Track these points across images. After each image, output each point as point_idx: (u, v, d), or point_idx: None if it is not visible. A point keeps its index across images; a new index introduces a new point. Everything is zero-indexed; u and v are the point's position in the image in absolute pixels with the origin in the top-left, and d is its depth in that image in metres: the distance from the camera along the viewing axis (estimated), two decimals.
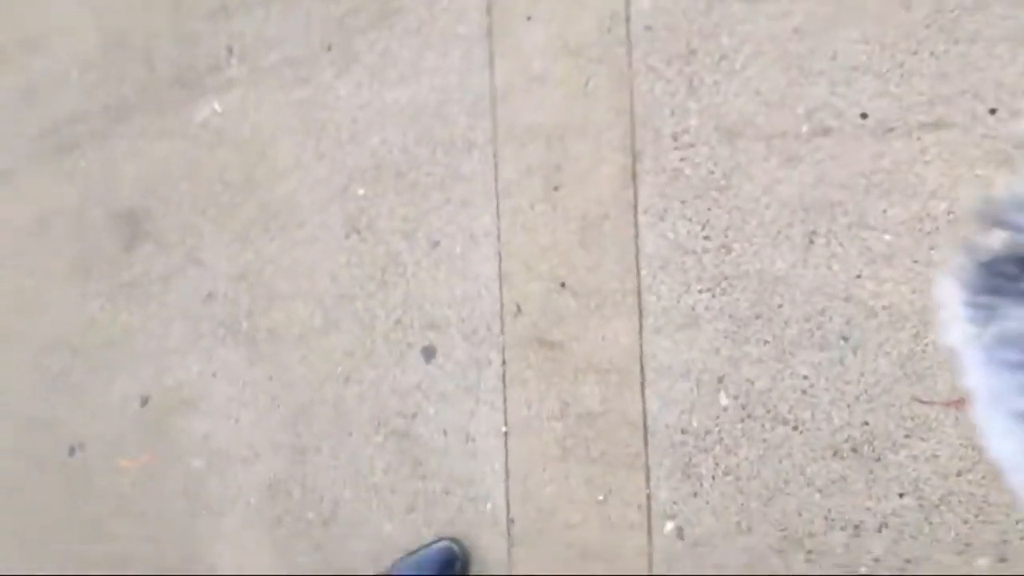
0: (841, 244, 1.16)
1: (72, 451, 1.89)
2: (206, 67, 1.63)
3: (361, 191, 1.49)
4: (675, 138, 1.26)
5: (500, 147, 1.38)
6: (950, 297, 0.49)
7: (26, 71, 1.89)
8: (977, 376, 0.48)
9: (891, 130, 1.13)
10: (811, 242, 1.18)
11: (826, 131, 1.17)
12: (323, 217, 1.53)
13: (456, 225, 1.41)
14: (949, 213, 1.11)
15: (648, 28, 1.27)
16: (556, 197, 1.34)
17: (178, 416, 1.73)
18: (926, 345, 1.12)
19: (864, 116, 1.15)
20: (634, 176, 1.29)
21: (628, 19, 1.29)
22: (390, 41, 1.45)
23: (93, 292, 1.83)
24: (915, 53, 1.13)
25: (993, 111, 1.08)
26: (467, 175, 1.40)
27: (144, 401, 1.77)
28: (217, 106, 1.63)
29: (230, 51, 1.60)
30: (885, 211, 1.14)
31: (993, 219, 0.47)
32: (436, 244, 1.43)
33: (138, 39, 1.73)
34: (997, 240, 0.47)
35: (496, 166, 1.38)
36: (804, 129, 1.19)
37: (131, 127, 1.74)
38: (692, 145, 1.25)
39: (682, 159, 1.26)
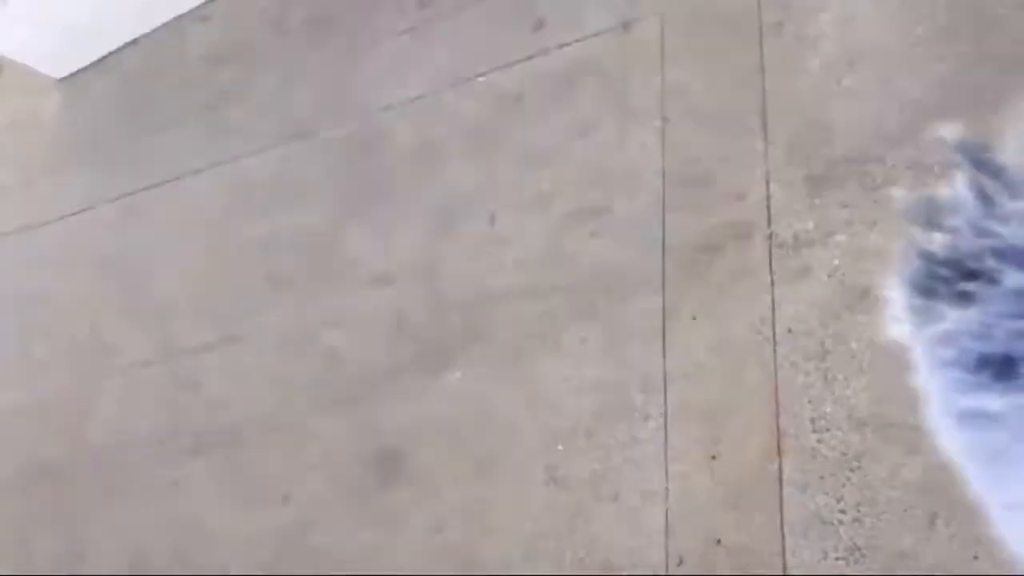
0: (958, 526, 1.30)
1: None
2: (456, 345, 2.13)
3: (560, 447, 1.85)
4: (813, 423, 1.50)
5: (669, 420, 1.68)
6: (894, 296, 0.57)
7: (333, 342, 2.53)
8: (922, 376, 0.54)
9: None
10: (932, 523, 1.33)
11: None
12: (529, 465, 1.89)
13: (632, 482, 1.71)
14: None
15: (790, 331, 1.57)
16: (714, 465, 1.61)
17: None
18: None
19: None
20: (779, 452, 1.53)
21: (774, 323, 1.59)
22: (587, 331, 1.85)
23: (355, 514, 2.29)
24: None
25: None
26: (642, 440, 1.71)
27: None
28: (460, 375, 2.11)
29: (474, 335, 2.09)
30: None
31: (931, 221, 0.54)
32: (615, 497, 1.73)
33: (407, 322, 2.29)
34: (935, 242, 0.55)
35: (666, 436, 1.68)
36: (921, 425, 1.38)
37: (400, 388, 2.25)
38: (827, 430, 1.48)
39: (819, 440, 1.48)
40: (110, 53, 3.41)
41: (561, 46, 1.98)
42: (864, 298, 1.49)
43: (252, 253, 2.71)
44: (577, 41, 1.97)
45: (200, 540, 2.56)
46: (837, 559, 1.42)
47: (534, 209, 1.98)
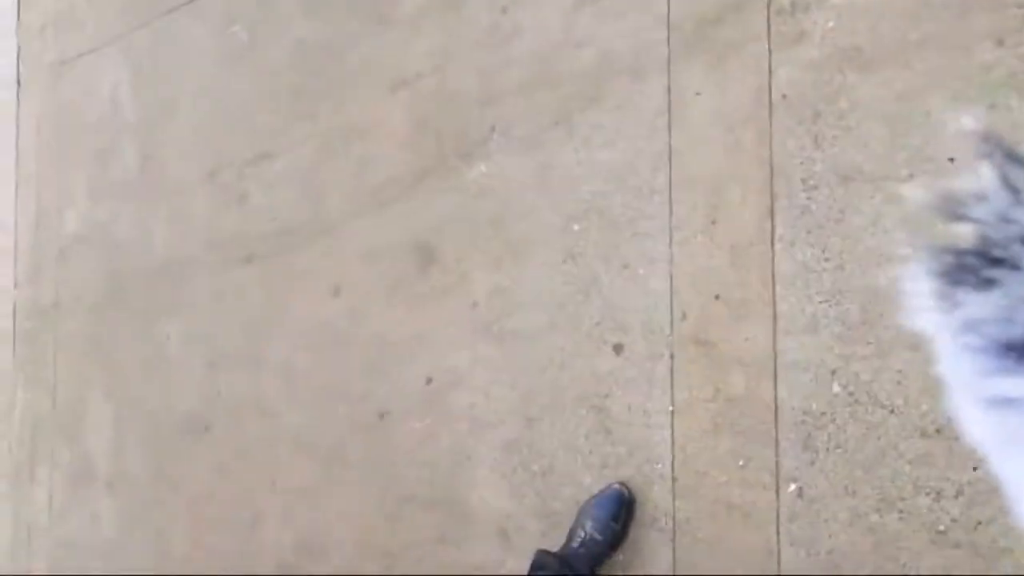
0: None
1: (381, 416, 2.59)
2: (476, 141, 2.25)
3: (576, 227, 2.00)
4: (803, 182, 1.61)
5: (674, 192, 1.81)
6: (917, 285, 0.51)
7: (359, 149, 2.67)
8: (946, 363, 0.50)
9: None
10: (907, 262, 1.46)
11: (923, 173, 1.46)
12: (549, 247, 2.05)
13: (641, 251, 1.86)
14: None
15: (784, 96, 1.64)
16: (713, 230, 1.74)
17: (450, 391, 2.34)
18: None
19: (952, 160, 1.42)
20: (772, 213, 1.65)
21: (770, 90, 1.66)
22: (598, 116, 1.95)
23: (400, 301, 2.52)
24: (993, 106, 1.38)
25: None
26: (650, 214, 1.85)
27: (429, 380, 2.42)
28: (484, 168, 2.24)
29: (492, 129, 2.20)
30: None
31: (954, 213, 0.48)
32: (626, 266, 1.89)
33: (431, 123, 2.40)
34: (960, 233, 0.48)
35: (671, 207, 1.82)
36: (903, 173, 1.48)
37: (427, 185, 2.41)
38: (816, 187, 1.59)
39: (808, 198, 1.60)
40: None
41: None
42: (855, 58, 1.55)
43: (277, 69, 2.81)
44: None
45: (265, 335, 2.85)
46: (820, 302, 1.58)
47: None
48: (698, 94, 1.77)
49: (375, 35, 2.43)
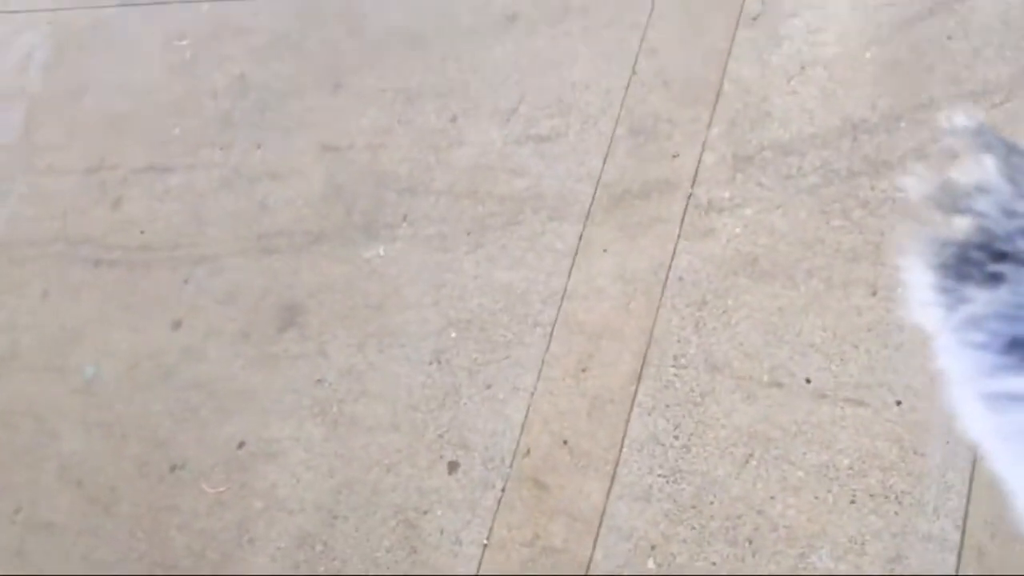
0: (767, 469, 1.51)
1: (173, 469, 2.38)
2: (384, 224, 2.25)
3: (453, 334, 2.00)
4: (675, 359, 1.69)
5: (556, 330, 1.85)
6: (918, 280, 0.49)
7: (263, 192, 2.62)
8: (948, 359, 0.49)
9: (824, 396, 1.51)
10: (746, 462, 1.54)
11: (779, 384, 1.56)
12: (419, 345, 2.03)
13: (507, 377, 1.87)
14: (849, 468, 1.44)
15: (680, 278, 1.75)
16: (582, 376, 1.78)
17: (259, 463, 2.19)
18: (808, 564, 1.42)
19: (808, 381, 1.54)
20: (639, 378, 1.71)
21: (669, 268, 1.77)
22: (509, 240, 2.01)
23: (244, 353, 2.39)
24: (856, 347, 1.53)
25: (899, 402, 1.45)
26: (527, 343, 1.88)
27: (240, 444, 2.26)
28: (382, 251, 2.23)
29: (404, 218, 2.22)
30: (804, 454, 1.49)
31: (954, 206, 0.47)
32: (489, 386, 1.89)
33: (347, 193, 2.40)
34: (961, 226, 0.47)
35: (549, 343, 1.85)
36: (765, 379, 1.58)
37: (319, 249, 2.37)
38: (685, 367, 1.67)
39: (675, 375, 1.67)
40: None
41: None
42: (750, 266, 1.69)
43: (214, 92, 2.76)
44: None
45: (80, 345, 2.61)
46: (659, 476, 1.61)
47: (495, 120, 2.11)
48: (605, 251, 1.87)
49: (324, 95, 2.45)
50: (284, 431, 2.20)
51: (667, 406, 1.66)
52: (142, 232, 2.73)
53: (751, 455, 1.53)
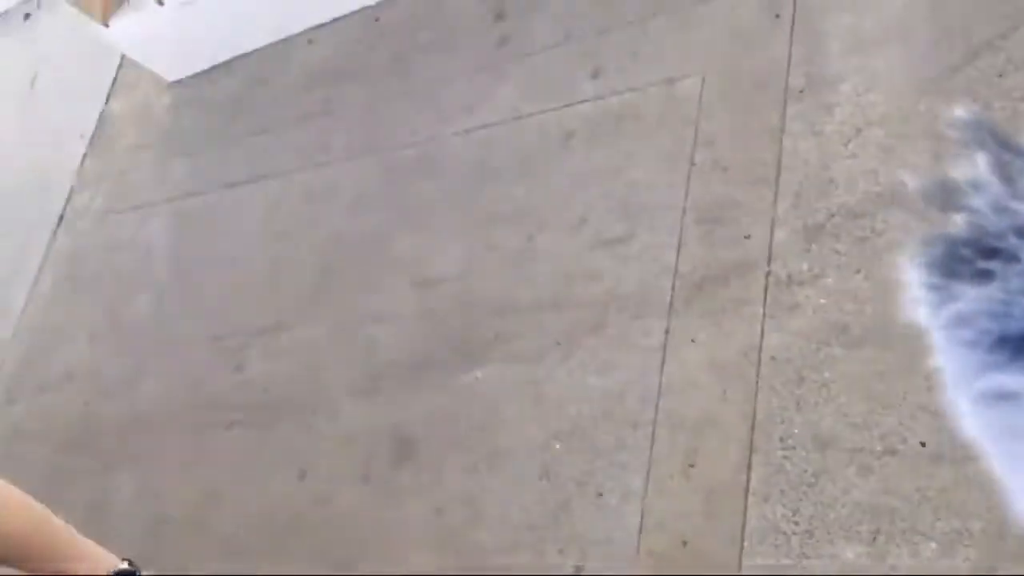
0: (897, 544, 1.43)
1: None
2: (478, 346, 2.33)
3: (557, 446, 2.01)
4: (782, 441, 1.65)
5: (658, 429, 1.84)
6: (911, 279, 0.55)
7: (369, 334, 2.75)
8: (941, 356, 0.53)
9: (941, 457, 1.44)
10: (873, 539, 1.46)
11: (893, 452, 1.50)
12: (527, 461, 2.05)
13: (616, 482, 1.86)
14: (983, 531, 1.35)
15: (773, 358, 1.73)
16: (691, 472, 1.75)
17: None
18: None
19: (923, 444, 1.47)
20: (749, 466, 1.67)
21: (760, 350, 1.75)
22: (597, 344, 2.04)
23: (366, 492, 2.47)
24: None
25: None
26: (631, 446, 1.87)
27: None
28: (479, 374, 2.30)
29: (496, 338, 2.29)
30: (933, 523, 1.41)
31: (948, 203, 0.48)
32: (600, 495, 1.88)
33: (442, 323, 2.50)
34: (953, 223, 0.48)
35: (653, 443, 1.84)
36: (878, 448, 1.52)
37: (422, 380, 2.46)
38: (793, 448, 1.62)
39: (785, 458, 1.63)
40: (220, 64, 3.80)
41: (613, 94, 2.22)
42: (841, 334, 1.65)
43: (312, 251, 2.98)
44: (628, 91, 2.20)
45: (218, 505, 2.76)
46: (786, 565, 1.55)
47: (568, 232, 2.19)
48: (693, 341, 1.87)
49: (410, 236, 2.61)
50: (413, 566, 2.23)
51: (782, 491, 1.60)
52: (265, 390, 2.91)
53: (878, 531, 1.45)
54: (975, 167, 0.43)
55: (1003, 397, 0.45)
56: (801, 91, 1.86)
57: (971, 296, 0.44)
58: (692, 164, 1.99)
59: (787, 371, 1.69)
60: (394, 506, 2.37)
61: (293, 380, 2.83)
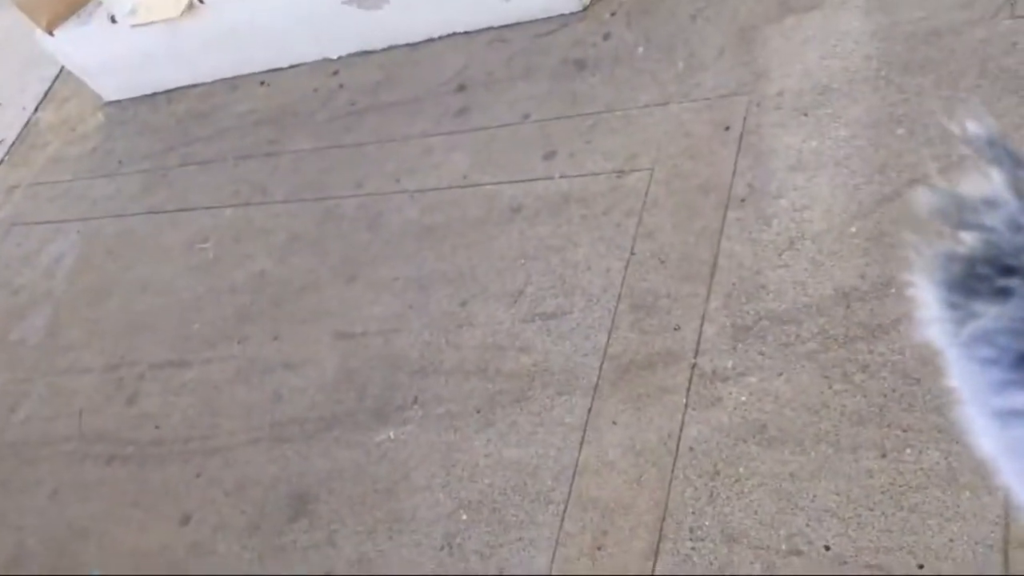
0: None
1: None
2: (395, 407, 2.28)
3: (464, 516, 1.97)
4: (691, 532, 1.66)
5: (569, 508, 1.83)
6: (927, 296, 0.49)
7: (278, 382, 2.67)
8: (958, 375, 0.48)
9: (845, 563, 1.47)
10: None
11: (798, 552, 1.53)
12: (430, 529, 2.00)
13: (520, 560, 1.83)
14: None
15: (690, 448, 1.76)
16: (598, 555, 1.74)
17: None
18: None
19: (827, 548, 1.50)
20: (656, 553, 1.67)
21: (679, 439, 1.78)
22: (519, 416, 2.03)
23: (252, 546, 2.34)
24: (871, 510, 1.51)
25: (920, 567, 1.41)
26: (540, 523, 1.85)
27: None
28: (392, 434, 2.25)
29: (415, 400, 2.26)
30: None
31: (962, 221, 0.47)
32: (501, 570, 1.84)
33: (360, 378, 2.45)
34: (968, 241, 0.47)
35: (562, 522, 1.82)
36: (783, 547, 1.55)
37: (331, 436, 2.38)
38: (702, 540, 1.64)
39: (692, 548, 1.64)
40: (163, 92, 3.74)
41: (563, 176, 2.29)
42: (759, 433, 1.70)
43: (232, 290, 2.89)
44: (578, 176, 2.28)
45: (84, 546, 2.57)
46: None
47: (504, 302, 2.20)
48: (615, 423, 1.88)
49: (339, 286, 2.57)
50: None
51: None
52: (156, 427, 2.76)
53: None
54: (990, 184, 0.44)
55: (1022, 415, 0.46)
56: (743, 200, 1.96)
57: (991, 314, 0.45)
58: (632, 253, 2.05)
59: (703, 463, 1.71)
60: (281, 564, 2.25)
61: (189, 420, 2.70)
